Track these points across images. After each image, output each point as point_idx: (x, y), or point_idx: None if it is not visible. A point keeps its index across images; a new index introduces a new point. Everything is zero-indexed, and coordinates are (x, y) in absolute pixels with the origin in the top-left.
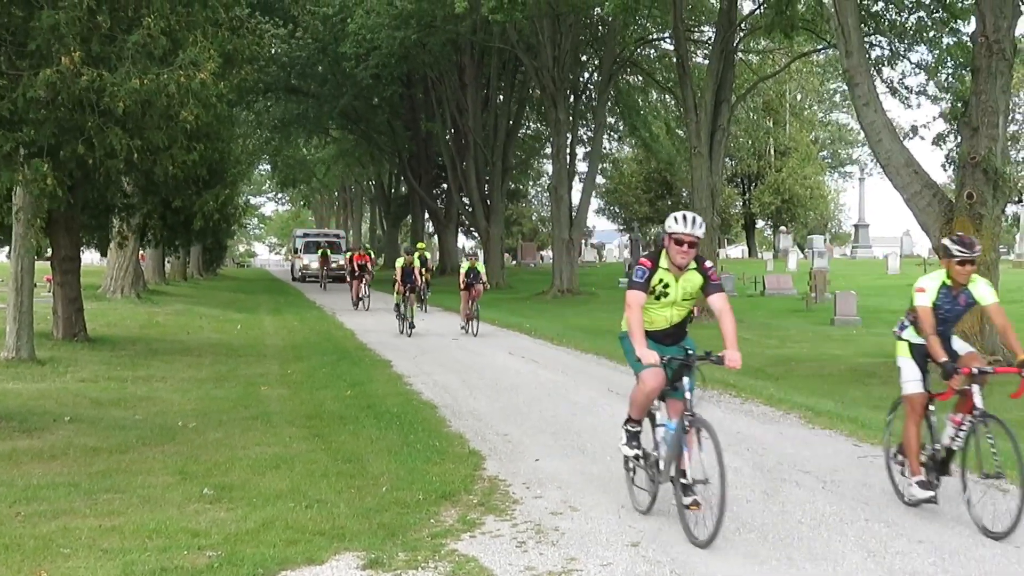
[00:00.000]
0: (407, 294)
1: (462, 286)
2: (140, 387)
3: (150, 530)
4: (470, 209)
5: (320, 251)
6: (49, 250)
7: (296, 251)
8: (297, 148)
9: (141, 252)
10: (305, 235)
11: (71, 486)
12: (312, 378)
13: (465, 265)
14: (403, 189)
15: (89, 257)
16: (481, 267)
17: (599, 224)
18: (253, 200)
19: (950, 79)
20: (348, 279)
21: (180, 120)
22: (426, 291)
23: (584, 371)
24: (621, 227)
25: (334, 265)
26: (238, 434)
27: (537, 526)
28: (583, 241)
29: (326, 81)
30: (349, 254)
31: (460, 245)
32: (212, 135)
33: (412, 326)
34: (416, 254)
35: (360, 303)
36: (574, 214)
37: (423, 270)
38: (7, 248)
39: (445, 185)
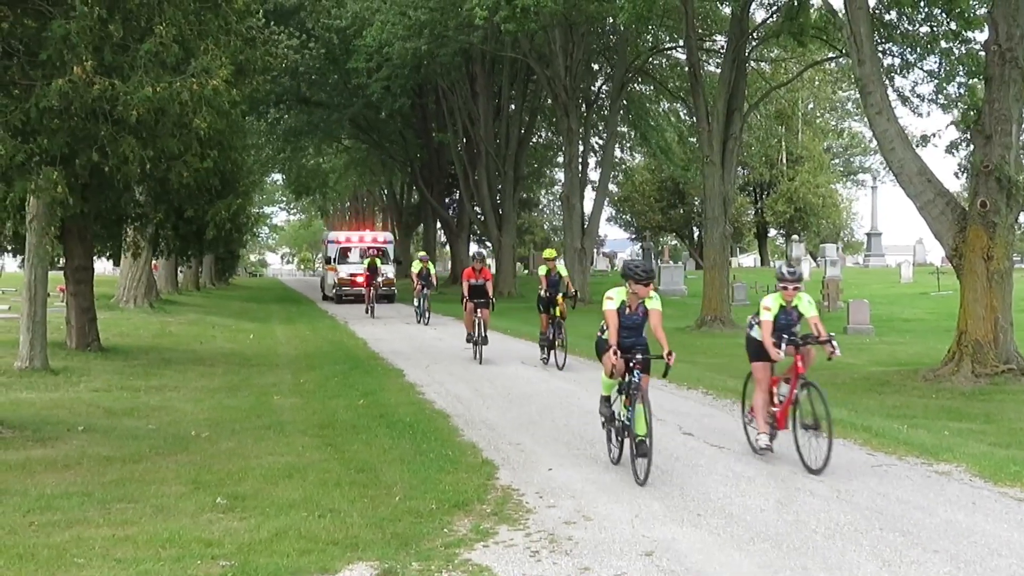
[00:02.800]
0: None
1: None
2: (153, 397)
3: (163, 540)
4: (482, 218)
5: (368, 262)
6: (62, 260)
7: (329, 261)
8: (309, 157)
9: (154, 262)
10: (343, 240)
11: (85, 495)
12: (324, 387)
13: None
14: (415, 198)
15: (102, 267)
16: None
17: (611, 233)
18: (266, 210)
19: (960, 90)
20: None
21: (193, 127)
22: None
23: (596, 380)
24: (633, 236)
25: (380, 280)
26: (251, 443)
27: (551, 535)
28: (595, 250)
29: (337, 91)
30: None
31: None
32: (225, 143)
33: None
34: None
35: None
36: (586, 223)
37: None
38: (21, 258)
39: (457, 194)
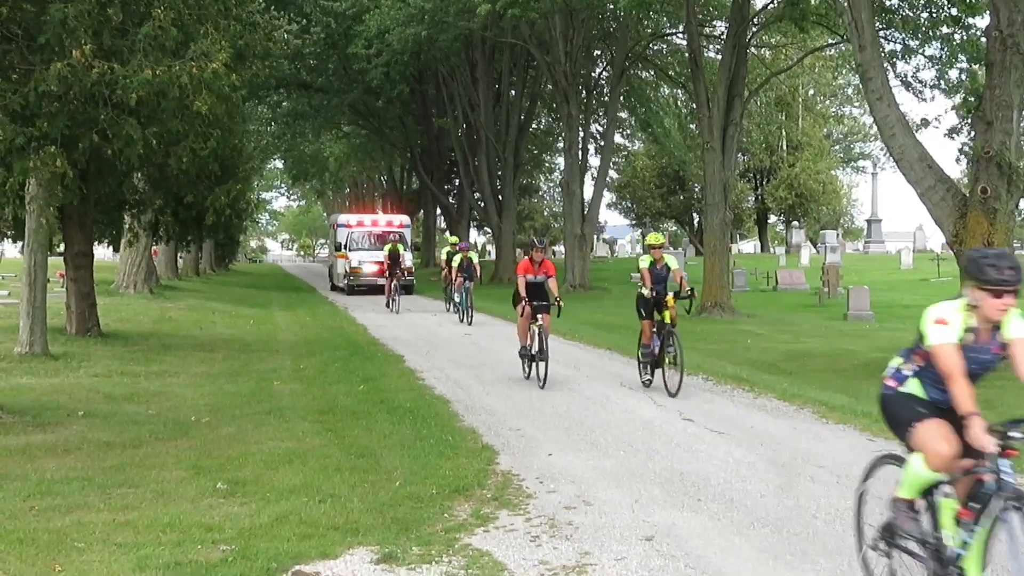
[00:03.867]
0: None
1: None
2: (153, 382)
3: (164, 524)
4: (482, 204)
5: (388, 248)
6: (62, 246)
7: (341, 247)
8: (309, 143)
9: (154, 248)
10: (355, 224)
11: (85, 481)
12: (325, 373)
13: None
14: (415, 184)
15: (102, 252)
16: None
17: (611, 219)
18: (265, 195)
19: (962, 75)
20: (444, 286)
21: (193, 110)
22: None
23: (596, 366)
24: (633, 222)
25: (403, 269)
26: (251, 429)
27: (551, 520)
28: (595, 236)
29: (336, 77)
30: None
31: (472, 240)
32: (225, 128)
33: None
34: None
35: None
36: (586, 209)
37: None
38: (21, 244)
39: (457, 180)
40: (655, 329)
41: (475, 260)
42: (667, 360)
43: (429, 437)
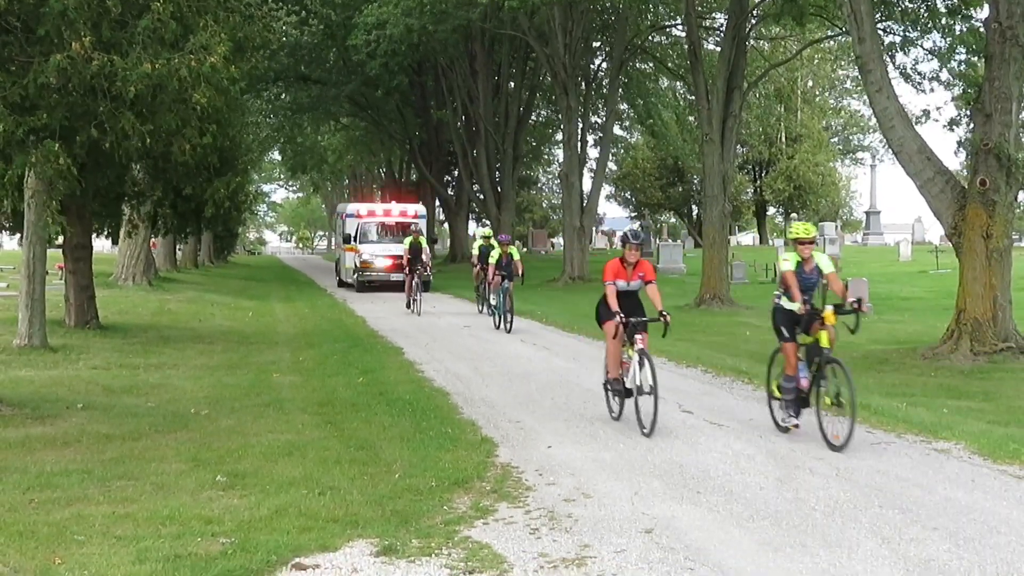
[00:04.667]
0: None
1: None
2: (152, 374)
3: (163, 517)
4: (481, 196)
5: (408, 241)
6: (61, 238)
7: (349, 240)
8: (307, 136)
9: (152, 239)
10: (365, 214)
11: (84, 473)
12: (324, 365)
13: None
14: (414, 176)
15: (100, 244)
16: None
17: (610, 211)
18: (264, 187)
19: (962, 66)
20: (477, 284)
21: (192, 103)
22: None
23: (596, 358)
24: (632, 214)
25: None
26: (250, 421)
27: (550, 513)
28: (594, 228)
29: (335, 68)
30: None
31: (471, 232)
32: (224, 120)
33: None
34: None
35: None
36: (585, 201)
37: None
38: (19, 235)
39: (456, 172)
40: (803, 356)
41: (516, 256)
42: (825, 399)
43: (428, 429)
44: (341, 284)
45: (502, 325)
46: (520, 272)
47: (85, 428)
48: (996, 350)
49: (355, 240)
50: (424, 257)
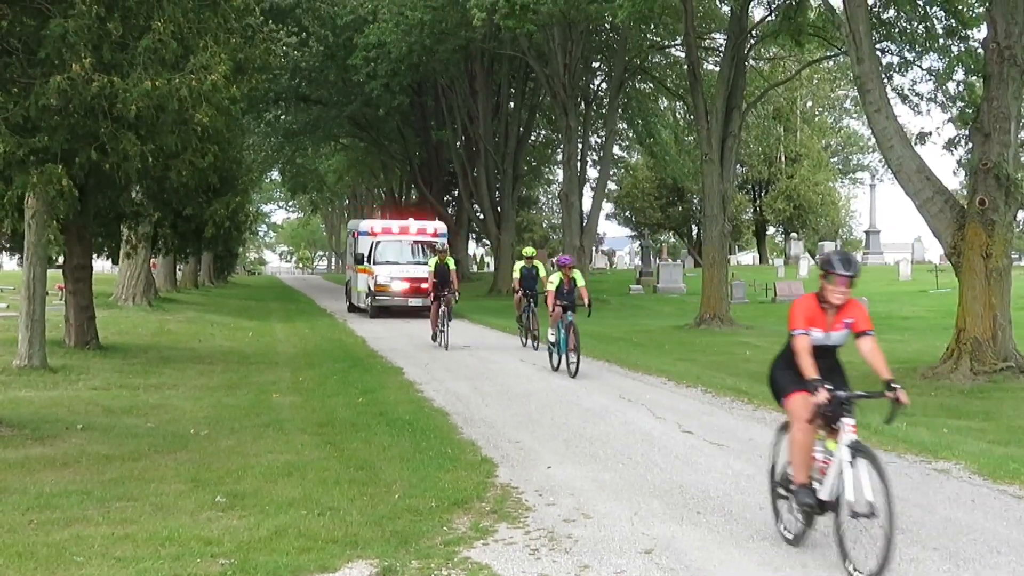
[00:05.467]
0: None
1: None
2: (152, 395)
3: (163, 538)
4: (481, 216)
5: (434, 263)
6: (61, 258)
7: (362, 260)
8: (308, 157)
9: (153, 260)
10: (380, 231)
11: (84, 494)
12: (324, 385)
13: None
14: (414, 196)
15: (101, 265)
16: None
17: (610, 230)
18: (264, 208)
19: (960, 87)
20: (519, 313)
21: (193, 123)
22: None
23: (595, 378)
24: (632, 233)
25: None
26: (250, 442)
27: (550, 533)
28: (594, 248)
29: (336, 89)
30: None
31: (471, 252)
32: (223, 141)
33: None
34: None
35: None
36: (585, 221)
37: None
38: (19, 256)
39: (456, 192)
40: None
41: (580, 282)
42: None
43: (428, 450)
44: (352, 309)
45: (562, 365)
46: (587, 301)
47: (85, 449)
48: (996, 369)
49: (369, 260)
50: (453, 280)
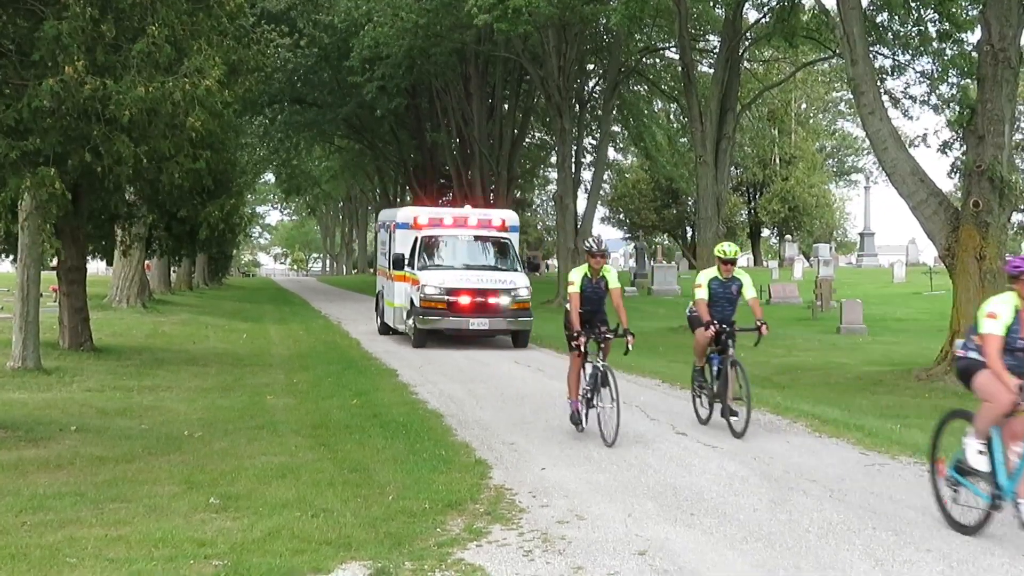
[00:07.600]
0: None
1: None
2: (146, 397)
3: (156, 539)
4: None
5: (583, 275)
6: (55, 260)
7: (400, 264)
8: (302, 160)
9: (147, 262)
10: (427, 223)
11: (77, 495)
12: (318, 387)
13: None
14: (408, 198)
15: (95, 267)
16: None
17: (604, 232)
18: (258, 209)
19: (953, 90)
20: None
21: (186, 127)
22: None
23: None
24: (626, 235)
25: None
26: (244, 443)
27: (544, 535)
28: None
29: (330, 91)
30: None
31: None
32: (217, 144)
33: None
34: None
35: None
36: (580, 223)
37: None
38: (13, 258)
39: (451, 194)
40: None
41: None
42: None
43: (422, 451)
44: (386, 331)
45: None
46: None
47: (78, 450)
48: None
49: (412, 264)
50: (618, 307)
